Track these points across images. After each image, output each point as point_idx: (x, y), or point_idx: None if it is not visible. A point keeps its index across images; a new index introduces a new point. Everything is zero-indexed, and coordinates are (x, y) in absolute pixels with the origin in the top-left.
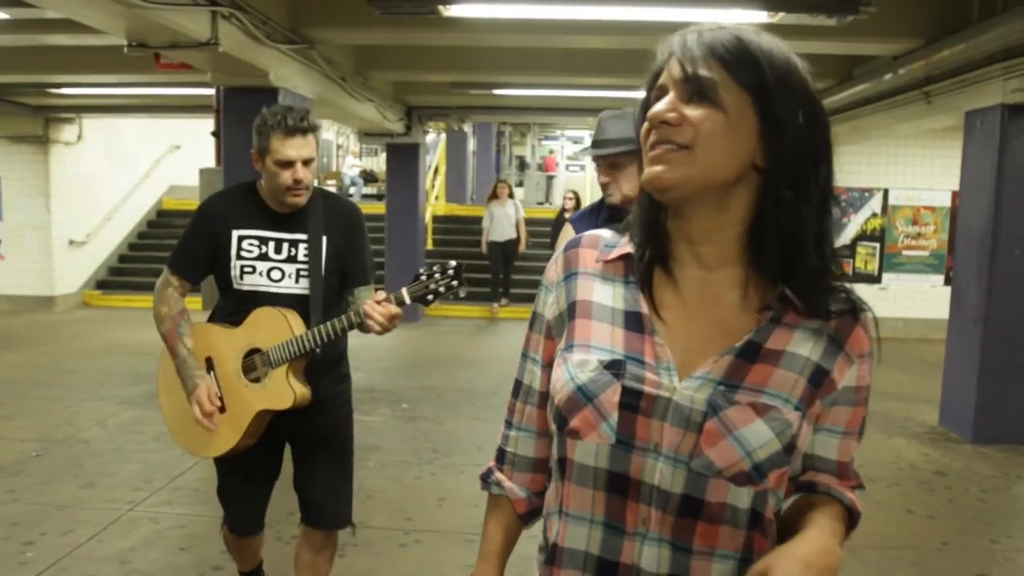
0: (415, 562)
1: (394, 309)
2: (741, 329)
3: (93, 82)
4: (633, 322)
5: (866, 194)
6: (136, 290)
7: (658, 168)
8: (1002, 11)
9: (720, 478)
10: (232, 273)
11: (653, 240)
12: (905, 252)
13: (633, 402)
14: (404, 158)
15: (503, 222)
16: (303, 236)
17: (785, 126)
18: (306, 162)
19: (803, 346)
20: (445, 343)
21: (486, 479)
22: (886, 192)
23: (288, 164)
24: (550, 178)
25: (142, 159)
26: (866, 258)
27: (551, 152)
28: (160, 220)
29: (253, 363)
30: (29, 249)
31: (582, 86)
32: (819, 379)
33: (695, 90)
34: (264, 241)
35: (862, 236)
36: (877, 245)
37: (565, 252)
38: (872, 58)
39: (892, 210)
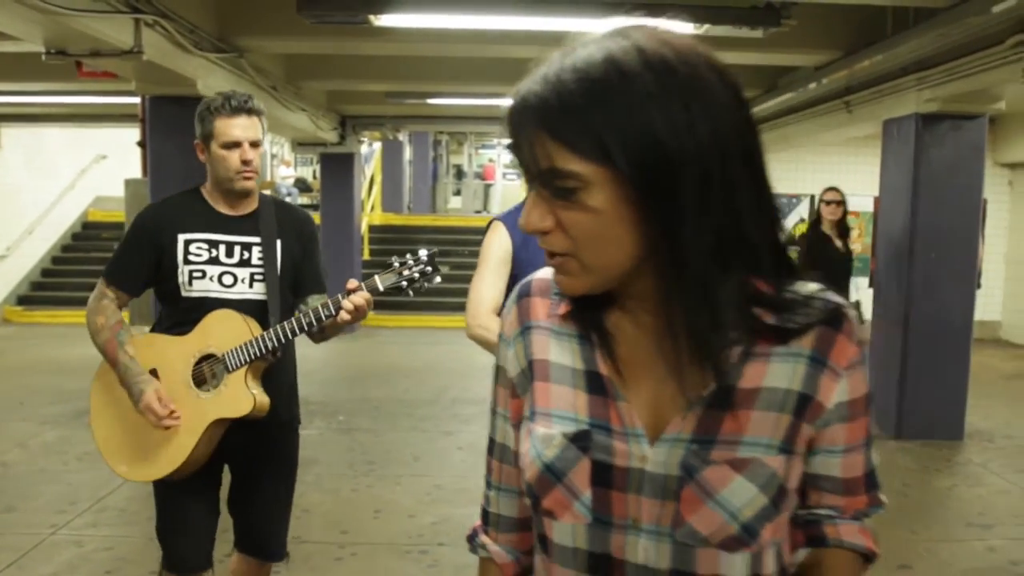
0: (351, 575)
1: (367, 295)
2: (707, 374)
3: (12, 90)
4: (595, 384)
5: (793, 200)
6: (60, 305)
7: (560, 278)
8: (914, 24)
9: (708, 547)
10: (180, 279)
11: (589, 308)
12: None
13: (605, 477)
14: (338, 168)
15: None
16: (256, 239)
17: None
18: (253, 144)
19: (781, 377)
20: (383, 354)
21: (472, 541)
22: (812, 198)
23: (235, 145)
24: (488, 186)
25: (66, 169)
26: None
27: (491, 161)
28: (86, 232)
29: (203, 371)
30: None
31: None
32: (803, 409)
33: (549, 188)
34: (214, 244)
35: (790, 241)
36: None
37: (518, 302)
38: (796, 69)
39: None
